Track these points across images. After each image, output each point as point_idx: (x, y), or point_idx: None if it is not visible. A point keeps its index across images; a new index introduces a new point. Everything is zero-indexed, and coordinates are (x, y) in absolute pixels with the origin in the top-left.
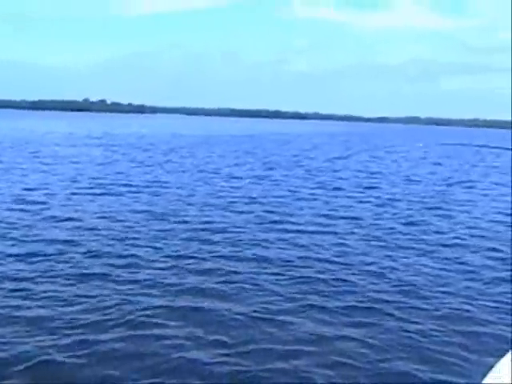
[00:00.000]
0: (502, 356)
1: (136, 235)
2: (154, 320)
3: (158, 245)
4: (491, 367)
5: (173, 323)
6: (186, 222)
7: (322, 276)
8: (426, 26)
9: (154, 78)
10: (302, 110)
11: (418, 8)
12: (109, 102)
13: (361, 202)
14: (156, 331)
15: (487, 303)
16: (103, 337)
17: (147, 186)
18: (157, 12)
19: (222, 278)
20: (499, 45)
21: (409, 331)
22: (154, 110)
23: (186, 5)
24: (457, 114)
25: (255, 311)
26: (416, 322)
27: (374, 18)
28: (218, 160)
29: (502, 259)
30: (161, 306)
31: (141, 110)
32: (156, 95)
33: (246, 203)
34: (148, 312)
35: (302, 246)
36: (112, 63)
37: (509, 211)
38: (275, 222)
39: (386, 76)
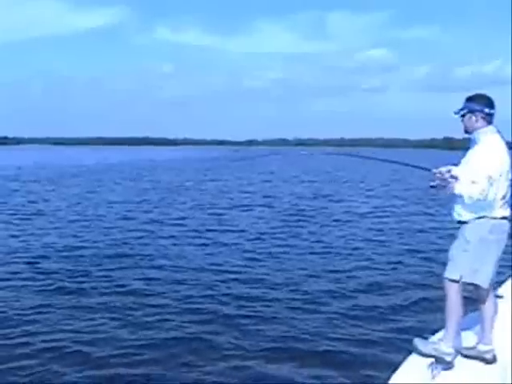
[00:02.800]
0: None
1: None
2: None
3: None
4: (397, 367)
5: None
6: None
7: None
8: (288, 49)
9: (17, 107)
10: (171, 136)
11: (279, 31)
12: None
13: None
14: None
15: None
16: None
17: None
18: (13, 40)
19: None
20: (360, 66)
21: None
22: (18, 141)
23: (44, 31)
24: (323, 135)
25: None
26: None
27: (238, 43)
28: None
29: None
30: None
31: (4, 141)
32: (21, 125)
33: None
34: None
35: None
36: None
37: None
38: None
39: (253, 99)
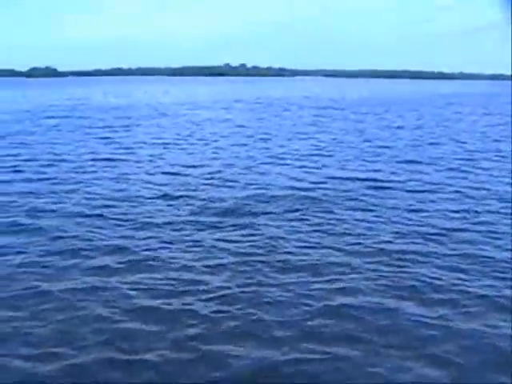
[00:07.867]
0: None
1: None
2: None
3: None
4: None
5: None
6: None
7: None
8: None
9: (293, 41)
10: (447, 70)
11: None
12: (249, 65)
13: None
14: None
15: None
16: None
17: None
18: None
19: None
20: None
21: None
22: (293, 73)
23: None
24: None
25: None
26: None
27: None
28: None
29: None
30: None
31: (280, 73)
32: (295, 58)
33: None
34: None
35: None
36: (252, 30)
37: None
38: None
39: None
